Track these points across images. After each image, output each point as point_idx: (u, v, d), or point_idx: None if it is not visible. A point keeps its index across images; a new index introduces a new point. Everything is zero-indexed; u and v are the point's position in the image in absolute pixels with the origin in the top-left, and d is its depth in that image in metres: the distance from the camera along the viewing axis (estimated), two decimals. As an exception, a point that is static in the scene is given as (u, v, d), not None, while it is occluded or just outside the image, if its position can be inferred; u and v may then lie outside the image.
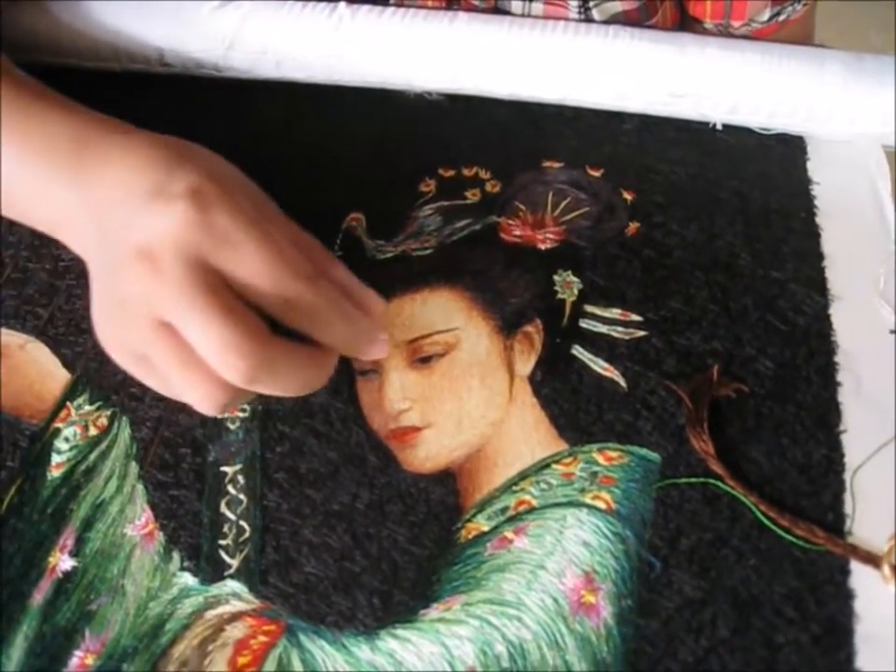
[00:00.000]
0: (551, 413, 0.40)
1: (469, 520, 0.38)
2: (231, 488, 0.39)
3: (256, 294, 0.33)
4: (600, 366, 0.41)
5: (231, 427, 0.41)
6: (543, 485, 0.38)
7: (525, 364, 0.42)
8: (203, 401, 0.34)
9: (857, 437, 0.39)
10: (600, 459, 0.39)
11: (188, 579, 0.38)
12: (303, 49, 0.50)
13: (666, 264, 0.44)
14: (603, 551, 0.37)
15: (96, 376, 0.43)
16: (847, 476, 0.38)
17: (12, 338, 0.44)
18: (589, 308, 0.43)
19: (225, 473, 0.40)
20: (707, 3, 0.51)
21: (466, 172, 0.48)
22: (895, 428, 0.39)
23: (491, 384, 0.41)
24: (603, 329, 0.42)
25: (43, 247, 0.46)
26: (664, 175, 0.47)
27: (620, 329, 0.42)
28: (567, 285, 0.44)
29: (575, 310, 0.43)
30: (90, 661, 0.36)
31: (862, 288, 0.43)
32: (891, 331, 0.42)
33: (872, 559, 0.35)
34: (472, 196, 0.47)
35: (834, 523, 0.37)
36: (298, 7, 0.50)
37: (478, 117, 0.50)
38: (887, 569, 0.35)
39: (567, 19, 0.50)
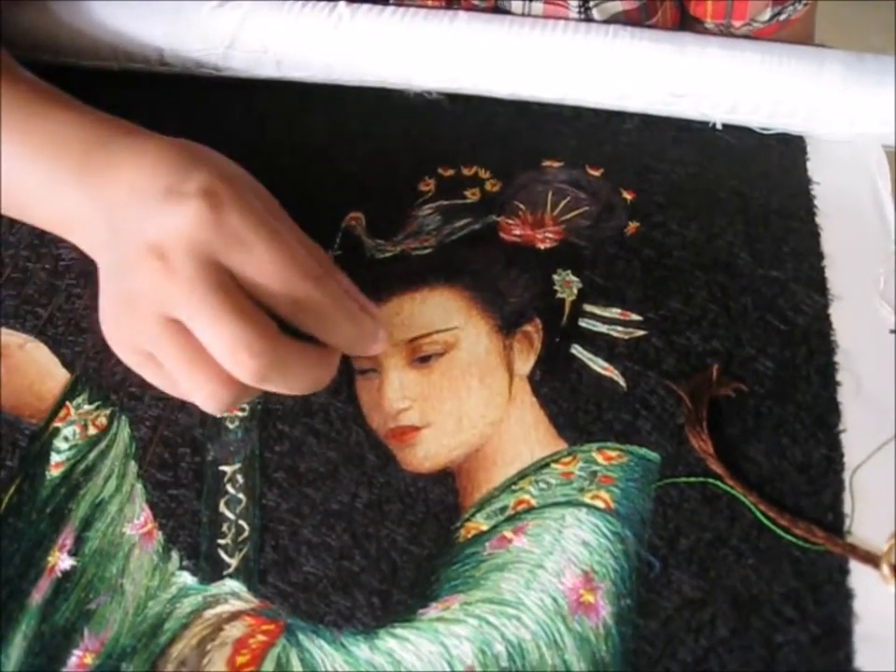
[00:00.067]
0: (550, 413, 0.40)
1: (468, 519, 0.38)
2: (230, 487, 0.39)
3: (266, 294, 0.34)
4: (599, 365, 0.41)
5: (231, 426, 0.41)
6: (542, 485, 0.38)
7: (525, 363, 0.42)
8: (209, 400, 0.34)
9: (856, 436, 0.39)
10: (599, 459, 0.39)
11: (186, 578, 0.38)
12: (303, 48, 0.50)
13: (666, 264, 0.44)
14: (602, 550, 0.36)
15: (95, 376, 0.43)
16: (846, 476, 0.38)
17: (12, 338, 0.44)
18: (588, 307, 0.43)
19: (224, 472, 0.40)
20: (707, 3, 0.51)
21: (465, 171, 0.48)
22: (895, 428, 0.38)
23: (490, 383, 0.41)
24: (602, 328, 0.42)
25: (43, 247, 0.46)
26: (663, 174, 0.47)
27: (619, 328, 0.42)
28: (567, 284, 0.44)
29: (574, 309, 0.43)
30: (88, 660, 0.36)
31: (862, 288, 0.43)
32: (891, 331, 0.42)
33: (871, 559, 0.35)
34: (472, 195, 0.47)
35: (834, 522, 0.37)
36: (297, 7, 0.50)
37: (478, 116, 0.50)
38: (886, 569, 0.35)
39: (567, 18, 0.50)
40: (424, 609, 0.36)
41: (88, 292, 0.44)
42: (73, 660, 0.36)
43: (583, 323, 0.42)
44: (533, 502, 0.38)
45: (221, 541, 0.38)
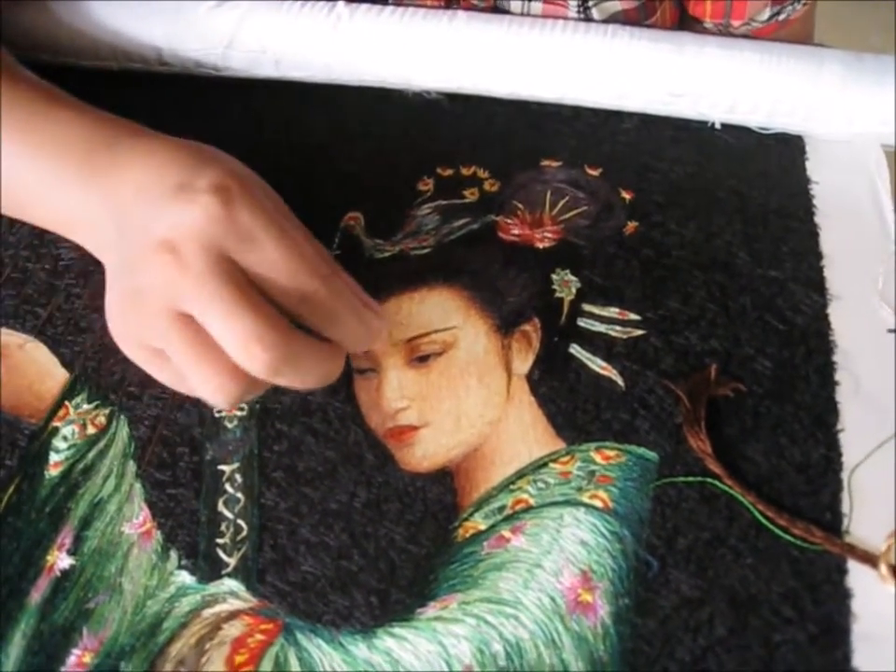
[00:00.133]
0: (548, 412, 0.40)
1: (466, 519, 0.38)
2: (228, 487, 0.39)
3: (275, 290, 0.34)
4: (598, 365, 0.41)
5: (229, 425, 0.41)
6: (540, 484, 0.38)
7: (523, 363, 0.42)
8: (218, 393, 0.34)
9: (855, 436, 0.39)
10: (598, 458, 0.39)
11: (185, 577, 0.38)
12: (302, 48, 0.50)
13: (665, 263, 0.44)
14: (600, 550, 0.37)
15: (95, 375, 0.43)
16: (844, 475, 0.38)
17: (11, 338, 0.44)
18: (587, 307, 0.43)
19: (223, 472, 0.40)
20: (706, 3, 0.51)
21: (464, 171, 0.48)
22: (894, 427, 0.38)
23: (489, 382, 0.41)
24: (601, 327, 0.42)
25: (42, 247, 0.46)
26: (662, 174, 0.47)
27: (618, 327, 0.42)
28: (566, 283, 0.44)
29: (573, 309, 0.43)
30: (87, 659, 0.36)
31: (861, 288, 0.43)
32: (890, 331, 0.42)
33: (869, 558, 0.35)
34: (471, 195, 0.47)
35: (832, 522, 0.37)
36: (296, 7, 0.50)
37: (476, 116, 0.50)
38: (884, 569, 0.35)
39: (566, 18, 0.50)
40: (422, 608, 0.36)
41: (87, 292, 0.44)
42: (72, 659, 0.36)
43: (582, 322, 0.43)
44: (531, 502, 0.38)
45: (220, 541, 0.38)
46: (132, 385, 0.42)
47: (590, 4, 0.51)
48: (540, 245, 0.45)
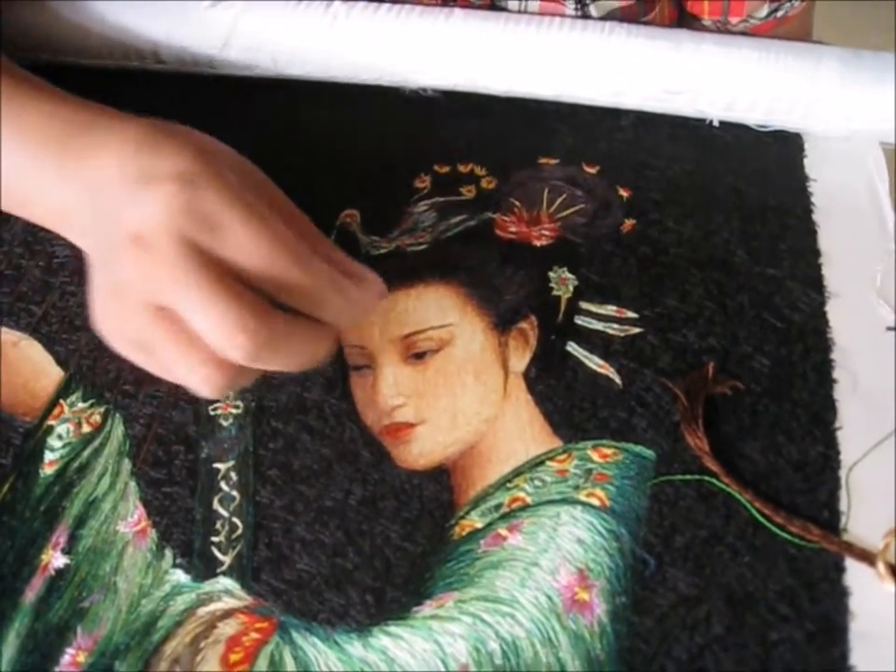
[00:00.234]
0: (545, 410, 0.40)
1: (462, 517, 0.38)
2: (223, 485, 0.39)
3: (250, 274, 0.33)
4: (595, 363, 0.41)
5: (224, 423, 0.41)
6: (537, 482, 0.38)
7: (520, 361, 0.41)
8: (205, 384, 0.34)
9: (853, 434, 0.38)
10: (595, 456, 0.39)
11: (180, 576, 0.37)
12: (299, 45, 0.50)
13: (662, 261, 0.44)
14: (597, 548, 0.36)
15: (89, 374, 0.42)
16: (842, 473, 0.38)
17: (5, 336, 0.44)
18: (584, 305, 0.43)
19: (218, 470, 0.40)
20: (705, 0, 0.51)
21: (461, 168, 0.48)
22: (894, 425, 0.38)
23: (485, 380, 0.41)
24: (598, 325, 0.42)
25: (37, 244, 0.46)
26: (660, 171, 0.47)
27: (615, 325, 0.42)
28: (563, 281, 0.43)
29: (570, 307, 0.43)
30: (81, 658, 0.36)
31: (859, 286, 0.43)
32: (888, 329, 0.41)
33: (867, 557, 0.35)
34: (467, 192, 0.47)
35: (830, 520, 0.37)
36: (293, 5, 0.50)
37: (474, 113, 0.50)
38: (882, 567, 0.35)
39: (563, 15, 0.50)
40: (418, 606, 0.36)
41: (82, 290, 0.44)
42: (66, 658, 0.36)
43: (579, 320, 0.42)
44: (528, 500, 0.38)
45: (215, 539, 0.38)
46: (127, 383, 0.42)
47: (587, 1, 0.50)
48: (538, 243, 0.45)
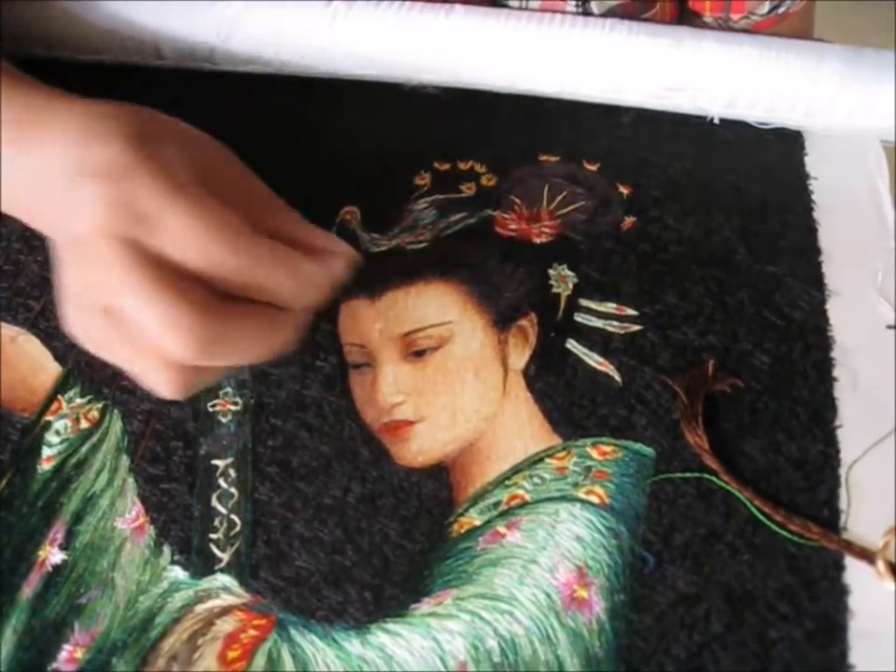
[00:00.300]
0: (545, 408, 0.40)
1: (461, 514, 0.38)
2: (222, 482, 0.39)
3: (191, 266, 0.32)
4: (595, 360, 0.41)
5: (223, 420, 0.41)
6: (536, 480, 0.38)
7: (520, 358, 0.41)
8: (164, 385, 0.33)
9: (853, 432, 0.38)
10: (594, 454, 0.39)
11: (178, 572, 0.37)
12: (299, 42, 0.50)
13: (662, 259, 0.44)
14: (596, 546, 0.36)
15: (87, 369, 0.42)
16: (842, 472, 0.37)
17: (4, 331, 0.44)
18: (584, 302, 0.43)
19: (216, 467, 0.40)
20: (706, -1, 0.51)
21: (461, 165, 0.48)
22: (894, 424, 0.38)
23: (485, 378, 0.41)
24: (598, 323, 0.42)
25: (35, 239, 0.46)
26: (660, 169, 0.47)
27: (615, 323, 0.42)
28: (563, 279, 0.43)
29: (570, 304, 0.43)
30: (79, 654, 0.36)
31: (860, 284, 0.43)
32: (888, 327, 0.41)
33: (866, 555, 0.35)
34: (468, 190, 0.47)
35: (829, 518, 0.36)
36: (293, 1, 0.50)
37: (474, 110, 0.50)
38: (881, 565, 0.35)
39: (564, 12, 0.50)
40: (416, 604, 0.36)
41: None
42: (63, 654, 0.36)
43: (579, 318, 0.42)
44: (527, 497, 0.38)
45: (213, 536, 0.38)
46: (125, 378, 0.41)
47: (588, -2, 0.50)
48: (538, 240, 0.45)
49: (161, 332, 0.31)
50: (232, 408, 0.41)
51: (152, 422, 0.41)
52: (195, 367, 0.33)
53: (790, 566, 0.36)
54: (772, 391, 0.40)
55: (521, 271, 0.44)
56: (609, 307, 0.42)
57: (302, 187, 0.47)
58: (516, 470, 0.39)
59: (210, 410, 0.41)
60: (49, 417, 0.41)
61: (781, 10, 0.50)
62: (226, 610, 0.36)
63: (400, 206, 0.46)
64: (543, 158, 0.48)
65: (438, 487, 0.39)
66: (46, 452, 0.40)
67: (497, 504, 0.38)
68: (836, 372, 0.40)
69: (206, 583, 0.37)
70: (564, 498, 0.37)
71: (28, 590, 0.37)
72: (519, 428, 0.40)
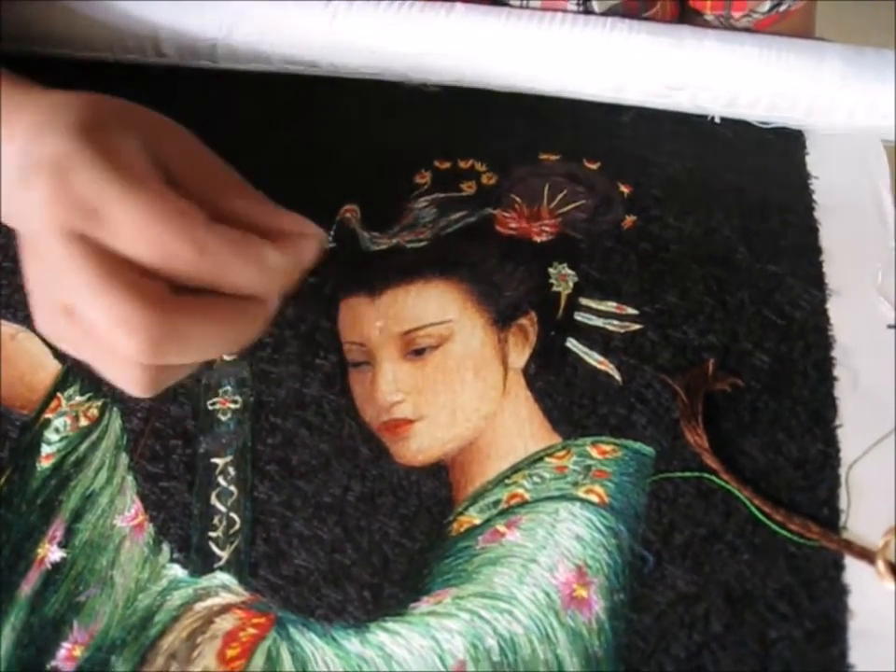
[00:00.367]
0: (544, 407, 0.40)
1: (460, 513, 0.38)
2: (221, 480, 0.39)
3: (141, 260, 0.30)
4: (595, 359, 0.41)
5: (223, 418, 0.41)
6: (536, 479, 0.38)
7: (520, 357, 0.41)
8: (129, 384, 0.32)
9: (853, 432, 0.38)
10: (594, 453, 0.39)
11: (177, 570, 0.37)
12: (299, 40, 0.50)
13: (663, 258, 0.44)
14: (596, 545, 0.36)
15: (87, 367, 0.42)
16: (842, 471, 0.37)
17: (3, 328, 0.44)
18: (584, 301, 0.43)
19: (216, 465, 0.40)
20: (707, -3, 0.51)
21: (462, 164, 0.48)
22: (894, 423, 0.38)
23: (485, 376, 0.41)
24: (598, 322, 0.42)
25: (35, 237, 0.46)
26: (661, 168, 0.47)
27: (615, 322, 0.42)
28: (563, 277, 0.43)
29: (570, 303, 0.43)
30: (78, 652, 0.36)
31: (860, 283, 0.43)
32: (889, 326, 0.41)
33: (866, 555, 0.35)
34: (468, 188, 0.47)
35: (829, 518, 0.36)
36: (294, 1, 0.50)
37: (474, 109, 0.50)
38: (881, 565, 0.35)
39: (565, 10, 0.50)
40: (415, 602, 0.36)
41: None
42: (62, 652, 0.36)
43: (579, 317, 0.42)
44: (526, 496, 0.38)
45: (212, 534, 0.38)
46: (125, 376, 0.41)
47: (590, -4, 0.50)
48: (538, 239, 0.45)
49: (111, 331, 0.30)
50: (232, 406, 0.41)
51: (151, 420, 0.41)
52: (162, 366, 0.32)
53: (789, 565, 0.36)
54: (772, 390, 0.40)
55: (521, 269, 0.44)
56: (610, 306, 0.42)
57: (303, 185, 0.47)
58: (516, 469, 0.39)
59: (210, 408, 0.41)
60: (48, 415, 0.41)
61: (782, 8, 0.50)
62: (225, 609, 0.36)
63: (401, 205, 0.46)
64: (544, 156, 0.48)
65: (437, 486, 0.39)
66: (45, 449, 0.40)
67: (496, 503, 0.38)
68: (837, 372, 0.40)
69: (205, 581, 0.37)
70: (563, 497, 0.37)
71: (27, 588, 0.37)
72: (519, 427, 0.40)
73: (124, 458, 0.40)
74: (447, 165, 0.48)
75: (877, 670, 0.33)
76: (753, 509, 0.37)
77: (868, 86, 0.46)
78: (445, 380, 0.41)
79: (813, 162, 0.47)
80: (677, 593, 0.35)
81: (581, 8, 0.50)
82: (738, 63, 0.46)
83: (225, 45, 0.50)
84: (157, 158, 0.32)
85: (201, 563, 0.37)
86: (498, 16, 0.49)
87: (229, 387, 0.41)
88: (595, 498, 0.37)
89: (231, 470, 0.39)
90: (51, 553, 0.38)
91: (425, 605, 0.36)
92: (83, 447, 0.40)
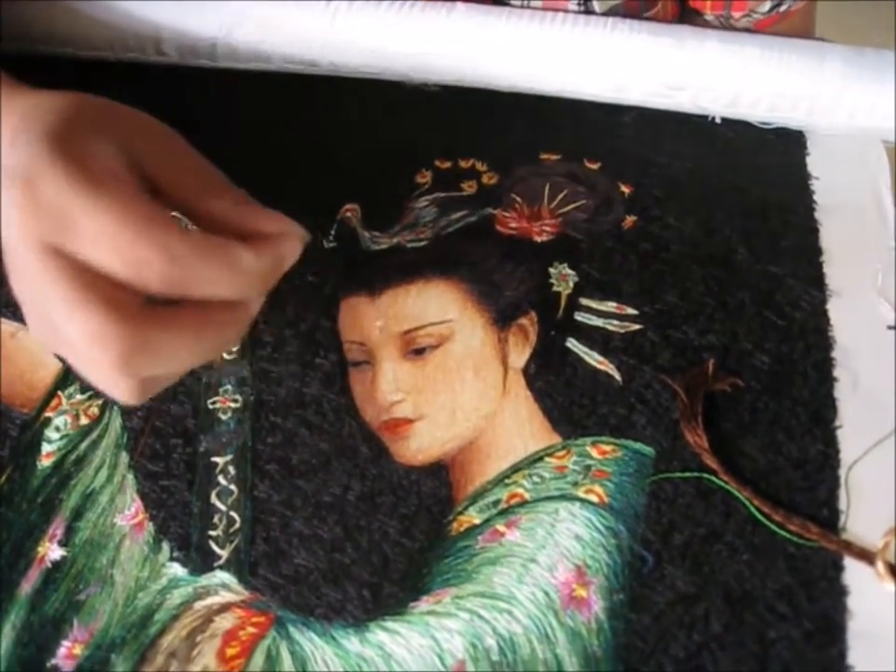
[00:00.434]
0: (544, 406, 0.40)
1: (460, 513, 0.38)
2: (221, 479, 0.39)
3: (110, 270, 0.29)
4: (595, 359, 0.41)
5: (223, 417, 0.41)
6: (536, 478, 0.38)
7: (520, 357, 0.41)
8: (115, 394, 0.32)
9: (853, 433, 0.38)
10: (594, 453, 0.39)
11: (177, 569, 0.37)
12: (300, 40, 0.50)
13: (663, 258, 0.44)
14: (595, 545, 0.36)
15: (88, 365, 0.42)
16: (842, 472, 0.37)
17: (4, 326, 0.44)
18: (584, 301, 0.43)
19: (216, 464, 0.40)
20: (707, -3, 0.51)
21: (462, 163, 0.48)
22: (894, 425, 0.38)
23: (485, 376, 0.41)
24: (598, 322, 0.42)
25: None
26: (662, 168, 0.47)
27: (615, 322, 0.42)
28: (563, 277, 0.43)
29: (570, 303, 0.43)
30: (77, 651, 0.36)
31: (861, 284, 0.43)
32: (889, 327, 0.41)
33: (865, 556, 0.35)
34: (469, 188, 0.47)
35: (829, 519, 0.36)
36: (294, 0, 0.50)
37: (475, 108, 0.50)
38: (880, 566, 0.35)
39: (566, 10, 0.50)
40: (415, 602, 0.36)
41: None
42: (62, 650, 0.36)
43: (579, 316, 0.42)
44: (526, 496, 0.38)
45: (212, 533, 0.38)
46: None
47: (590, -4, 0.50)
48: (538, 239, 0.45)
49: (86, 347, 0.30)
50: (232, 405, 0.41)
51: (152, 419, 0.41)
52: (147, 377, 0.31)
53: (789, 566, 0.36)
54: (772, 391, 0.40)
55: (521, 269, 0.44)
56: (610, 306, 0.42)
57: (303, 184, 0.47)
58: (516, 469, 0.39)
59: (210, 407, 0.41)
60: (48, 413, 0.41)
61: (782, 9, 0.50)
62: (225, 607, 0.36)
63: (401, 204, 0.46)
64: (544, 156, 0.48)
65: (437, 485, 0.39)
66: (45, 448, 0.40)
67: (496, 503, 0.38)
68: (837, 373, 0.40)
69: (205, 580, 0.37)
70: (563, 497, 0.37)
71: (27, 586, 0.37)
72: (519, 427, 0.40)
73: (124, 457, 0.40)
74: (448, 165, 0.48)
75: (876, 671, 0.33)
76: (753, 509, 0.37)
77: (869, 87, 0.46)
78: (445, 379, 0.41)
79: (814, 163, 0.47)
80: (676, 593, 0.35)
81: (582, 8, 0.50)
82: (739, 63, 0.46)
83: (225, 44, 0.50)
84: (135, 160, 0.32)
85: (200, 561, 0.37)
86: (499, 16, 0.49)
87: (229, 386, 0.41)
88: (594, 498, 0.37)
89: (232, 469, 0.39)
90: (52, 551, 0.38)
91: (424, 604, 0.36)
92: (83, 445, 0.40)
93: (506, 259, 0.44)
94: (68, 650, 0.36)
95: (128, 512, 0.39)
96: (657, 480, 0.38)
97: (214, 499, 0.39)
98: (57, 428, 0.41)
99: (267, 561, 0.37)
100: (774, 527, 0.36)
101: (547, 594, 0.35)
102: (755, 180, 0.46)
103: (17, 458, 0.40)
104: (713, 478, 0.37)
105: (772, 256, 0.44)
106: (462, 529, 0.37)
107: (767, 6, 0.50)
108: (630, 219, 0.45)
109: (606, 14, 0.50)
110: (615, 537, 0.36)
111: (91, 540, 0.38)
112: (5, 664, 0.35)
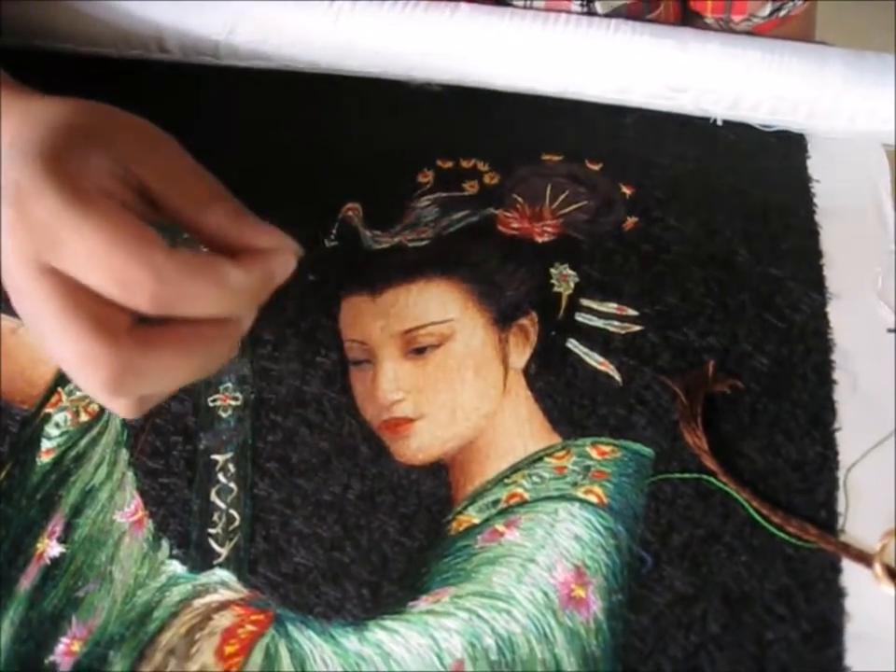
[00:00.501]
0: (544, 407, 0.40)
1: (460, 512, 0.38)
2: (221, 477, 0.39)
3: (99, 289, 0.29)
4: (595, 360, 0.41)
5: (223, 415, 0.41)
6: (535, 479, 0.38)
7: (520, 357, 0.41)
8: (112, 409, 0.32)
9: (852, 435, 0.38)
10: (593, 453, 0.39)
11: (176, 567, 0.37)
12: (303, 39, 0.50)
13: (664, 259, 0.44)
14: (594, 545, 0.36)
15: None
16: (840, 474, 0.38)
17: (4, 322, 0.44)
18: (585, 302, 0.43)
19: (216, 461, 0.40)
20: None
21: (464, 163, 0.48)
22: (893, 427, 0.38)
23: (485, 376, 0.41)
24: (599, 322, 0.42)
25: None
26: (663, 170, 0.47)
27: (616, 323, 0.42)
28: (564, 278, 0.43)
29: (571, 303, 0.43)
30: (76, 647, 0.36)
31: (861, 287, 0.43)
32: (889, 330, 0.41)
33: (864, 557, 0.35)
34: (470, 188, 0.47)
35: (827, 520, 0.37)
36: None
37: (477, 109, 0.50)
38: (878, 568, 0.35)
39: (568, 12, 0.50)
40: (414, 601, 0.36)
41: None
42: (60, 647, 0.36)
43: (580, 317, 0.42)
44: (526, 496, 0.38)
45: (212, 530, 0.38)
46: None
47: (593, -2, 0.50)
48: (540, 240, 0.45)
49: (73, 368, 0.30)
50: (233, 403, 0.41)
51: (152, 416, 0.41)
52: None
53: (787, 567, 0.36)
54: (771, 393, 0.40)
55: (522, 269, 0.44)
56: (610, 307, 0.42)
57: (305, 183, 0.47)
58: (515, 469, 0.39)
59: (210, 405, 0.41)
60: (48, 410, 0.41)
61: (782, 14, 0.50)
62: (224, 605, 0.36)
63: (403, 204, 0.46)
64: (546, 157, 0.48)
65: (437, 485, 0.39)
66: (45, 444, 0.40)
67: (495, 502, 0.38)
68: (836, 375, 0.40)
69: (204, 578, 0.37)
70: (563, 498, 0.38)
71: (26, 582, 0.37)
72: (519, 427, 0.40)
73: (124, 454, 0.40)
74: (450, 165, 0.48)
75: (874, 672, 0.34)
76: (752, 510, 0.37)
77: (869, 90, 0.46)
78: (446, 379, 0.41)
79: (814, 166, 0.47)
80: (674, 593, 0.35)
81: (585, 10, 0.50)
82: (741, 66, 0.47)
83: (228, 45, 0.50)
84: (130, 172, 0.32)
85: (200, 559, 0.37)
86: (502, 16, 0.49)
87: (229, 384, 0.41)
88: (594, 499, 0.37)
89: (231, 467, 0.39)
90: (51, 548, 0.38)
91: (423, 603, 0.36)
92: (83, 442, 0.40)
93: (507, 260, 0.44)
94: (67, 646, 0.36)
95: (127, 509, 0.39)
96: (656, 481, 0.38)
97: (213, 497, 0.39)
98: (57, 425, 0.41)
99: (266, 559, 0.37)
100: (772, 529, 0.36)
101: (546, 594, 0.35)
102: (756, 182, 0.47)
103: (16, 454, 0.40)
104: (712, 479, 0.38)
105: (772, 258, 0.44)
106: (461, 529, 0.37)
107: (767, 10, 0.50)
108: (631, 221, 0.45)
109: (608, 15, 0.50)
110: (614, 537, 0.36)
111: (91, 537, 0.38)
112: (3, 660, 0.35)
